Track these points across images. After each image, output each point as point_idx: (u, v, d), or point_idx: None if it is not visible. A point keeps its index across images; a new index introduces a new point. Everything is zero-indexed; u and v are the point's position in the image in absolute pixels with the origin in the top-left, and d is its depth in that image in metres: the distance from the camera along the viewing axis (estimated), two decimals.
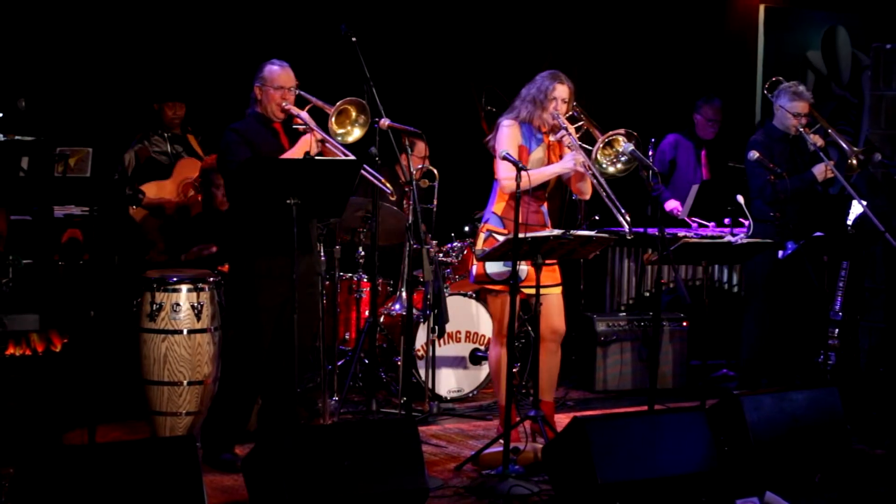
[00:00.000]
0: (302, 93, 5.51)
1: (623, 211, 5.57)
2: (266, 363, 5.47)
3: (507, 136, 5.74)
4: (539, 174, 5.67)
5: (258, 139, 5.40)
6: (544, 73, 5.83)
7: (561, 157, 5.81)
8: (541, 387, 5.82)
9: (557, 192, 7.02)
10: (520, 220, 5.70)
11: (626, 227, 5.58)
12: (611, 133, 5.66)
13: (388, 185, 5.63)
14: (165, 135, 6.95)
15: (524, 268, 5.66)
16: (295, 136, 5.51)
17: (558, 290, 5.89)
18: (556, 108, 5.73)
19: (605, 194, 5.62)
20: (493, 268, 5.73)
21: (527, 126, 5.79)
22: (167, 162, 6.89)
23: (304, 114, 5.42)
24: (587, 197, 5.88)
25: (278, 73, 5.43)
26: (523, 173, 5.40)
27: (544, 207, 5.91)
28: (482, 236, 5.79)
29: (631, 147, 5.62)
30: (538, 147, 5.81)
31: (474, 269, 5.84)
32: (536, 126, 5.80)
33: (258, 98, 5.46)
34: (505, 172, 5.69)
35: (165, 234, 6.71)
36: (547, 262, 5.61)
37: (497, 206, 5.80)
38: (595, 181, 5.67)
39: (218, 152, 5.52)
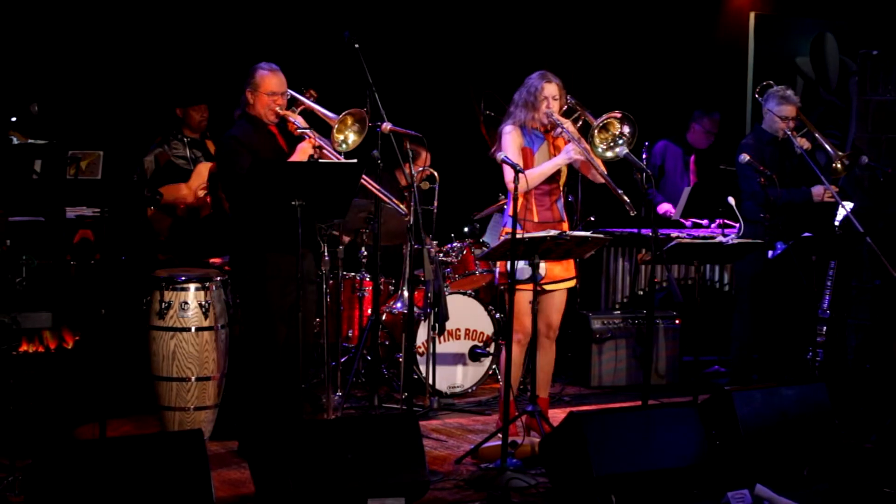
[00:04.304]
0: (292, 92, 5.53)
1: (621, 191, 5.62)
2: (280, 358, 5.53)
3: (509, 141, 5.82)
4: (539, 172, 5.76)
5: (257, 143, 5.45)
6: (532, 75, 5.88)
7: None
8: (537, 383, 5.88)
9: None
10: (535, 220, 5.81)
11: (629, 208, 5.61)
12: (606, 116, 5.71)
13: (394, 200, 5.71)
14: (185, 139, 6.87)
15: (543, 265, 5.71)
16: (291, 138, 5.55)
17: (569, 284, 5.96)
18: (548, 106, 5.80)
19: (605, 180, 5.68)
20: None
21: (525, 128, 5.87)
22: (186, 166, 6.81)
23: (299, 119, 5.47)
24: (601, 181, 5.97)
25: (269, 78, 5.46)
26: (521, 175, 5.53)
27: (559, 203, 5.96)
28: (502, 239, 5.81)
29: (626, 150, 5.71)
30: (541, 146, 5.87)
31: (497, 271, 5.94)
32: (533, 127, 5.88)
33: (250, 102, 5.49)
34: (509, 177, 5.77)
35: (175, 233, 6.75)
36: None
37: (512, 208, 5.85)
38: (594, 167, 5.72)
39: (217, 160, 5.52)
